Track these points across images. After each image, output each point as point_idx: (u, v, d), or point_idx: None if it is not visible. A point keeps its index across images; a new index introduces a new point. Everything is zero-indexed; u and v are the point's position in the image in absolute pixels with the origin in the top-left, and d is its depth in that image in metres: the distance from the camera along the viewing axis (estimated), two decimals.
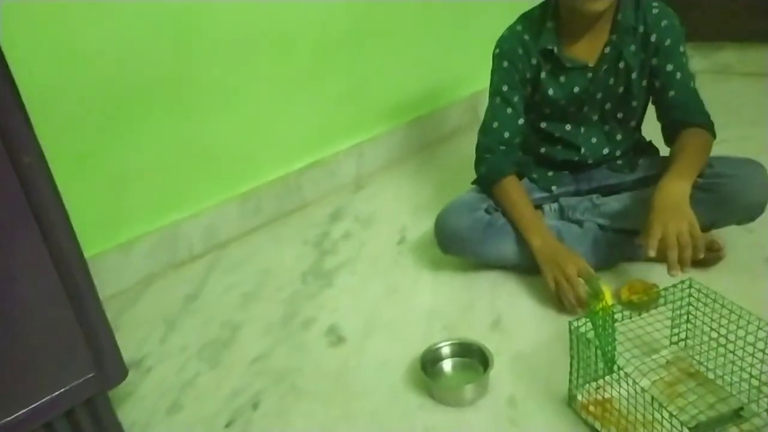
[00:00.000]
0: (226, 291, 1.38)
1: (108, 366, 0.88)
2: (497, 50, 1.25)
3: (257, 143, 1.62)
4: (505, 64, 1.23)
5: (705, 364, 0.93)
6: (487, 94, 1.29)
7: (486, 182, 1.28)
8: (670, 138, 1.20)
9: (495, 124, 1.25)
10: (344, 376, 1.06)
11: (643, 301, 1.00)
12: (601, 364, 0.87)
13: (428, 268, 1.34)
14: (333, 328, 1.19)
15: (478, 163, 1.29)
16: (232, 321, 1.26)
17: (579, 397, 0.90)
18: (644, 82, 1.21)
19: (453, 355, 1.05)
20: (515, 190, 1.24)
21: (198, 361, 1.16)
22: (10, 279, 0.77)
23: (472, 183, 1.33)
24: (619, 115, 1.25)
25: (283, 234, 1.60)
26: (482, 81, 1.40)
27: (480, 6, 2.00)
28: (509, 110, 1.24)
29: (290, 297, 1.31)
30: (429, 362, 1.03)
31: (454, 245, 1.25)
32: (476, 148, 1.30)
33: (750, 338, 0.84)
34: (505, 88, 1.23)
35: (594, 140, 1.27)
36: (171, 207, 1.51)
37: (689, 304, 0.93)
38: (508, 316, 1.15)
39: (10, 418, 0.80)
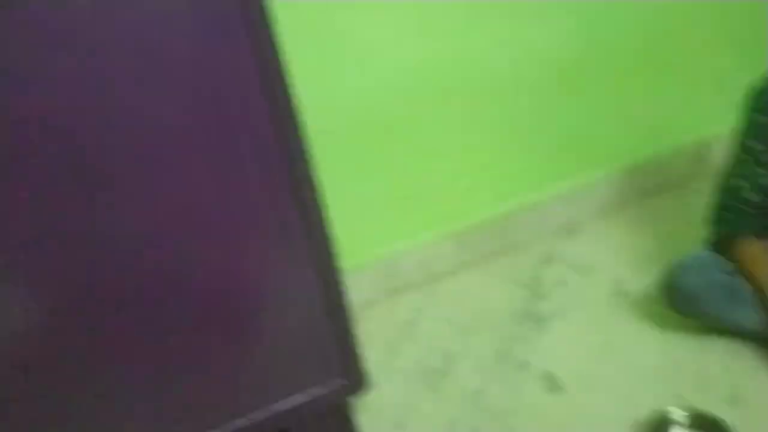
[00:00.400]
0: (441, 322, 1.45)
1: (355, 374, 0.97)
2: (753, 103, 1.17)
3: (471, 183, 1.69)
4: (762, 120, 1.14)
5: None
6: (717, 143, 1.21)
7: (724, 242, 1.19)
8: None
9: (738, 182, 1.17)
10: (563, 428, 1.06)
11: None
12: None
13: (651, 325, 1.28)
14: (549, 375, 1.20)
15: (716, 220, 1.21)
16: (449, 351, 1.33)
17: None
18: None
19: (685, 424, 1.00)
20: (761, 251, 1.14)
21: (419, 384, 1.24)
22: (276, 274, 0.87)
23: (707, 241, 1.25)
24: None
25: (494, 273, 1.64)
26: (710, 127, 1.31)
27: (706, 45, 1.86)
28: (758, 170, 1.15)
29: (504, 336, 1.35)
30: (656, 429, 0.99)
31: (687, 305, 1.18)
32: (713, 204, 1.22)
33: None
34: (757, 146, 1.15)
35: None
36: (390, 237, 1.64)
37: None
38: (750, 390, 1.05)
39: (262, 416, 0.90)
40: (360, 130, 1.50)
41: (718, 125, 1.23)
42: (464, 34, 1.50)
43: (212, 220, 0.81)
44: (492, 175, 1.70)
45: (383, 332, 1.45)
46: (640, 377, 1.14)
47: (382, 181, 1.57)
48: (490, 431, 1.08)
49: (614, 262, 1.56)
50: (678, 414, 1.00)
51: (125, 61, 0.73)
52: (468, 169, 1.66)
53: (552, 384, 1.17)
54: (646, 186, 1.92)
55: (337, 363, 0.94)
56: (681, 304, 1.19)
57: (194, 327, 0.85)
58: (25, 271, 0.76)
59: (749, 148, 1.16)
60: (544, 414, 1.10)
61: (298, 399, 0.93)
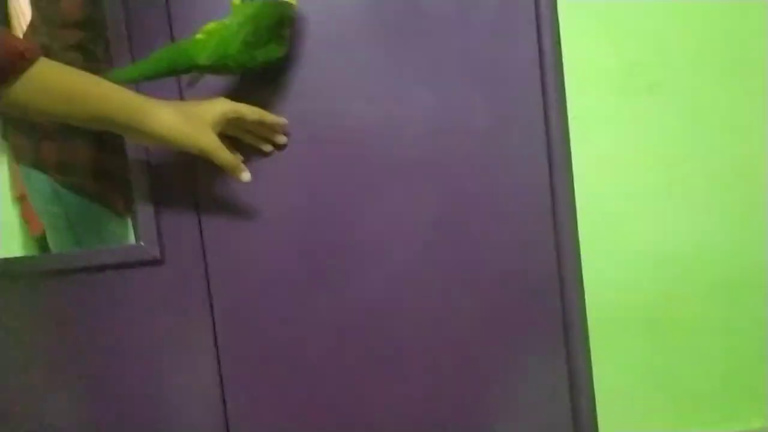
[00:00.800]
0: None
1: None
2: None
3: (732, 387, 1.48)
4: None
5: None
6: None
7: None
8: None
9: None
10: None
11: None
12: None
13: None
14: None
15: None
16: None
17: None
18: None
19: None
20: None
21: None
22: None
23: None
24: None
25: None
26: None
27: None
28: None
29: None
30: None
31: None
32: None
33: None
34: None
35: None
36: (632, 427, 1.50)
37: None
38: None
39: None
40: (614, 322, 1.37)
41: None
42: (740, 222, 1.36)
43: None
44: (754, 385, 1.46)
45: None
46: None
47: (632, 372, 1.42)
48: None
49: None
50: None
51: None
52: (729, 373, 1.44)
53: None
54: None
55: None
56: None
57: None
58: None
59: None
60: None
61: None
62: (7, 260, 0.73)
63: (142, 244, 0.70)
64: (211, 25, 0.64)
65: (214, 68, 0.64)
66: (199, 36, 0.64)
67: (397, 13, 0.73)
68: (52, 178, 1.00)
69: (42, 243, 1.21)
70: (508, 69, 0.74)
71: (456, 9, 0.73)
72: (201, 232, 0.72)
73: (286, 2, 0.67)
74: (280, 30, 0.67)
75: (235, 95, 0.70)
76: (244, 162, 0.72)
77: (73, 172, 0.99)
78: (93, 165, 0.99)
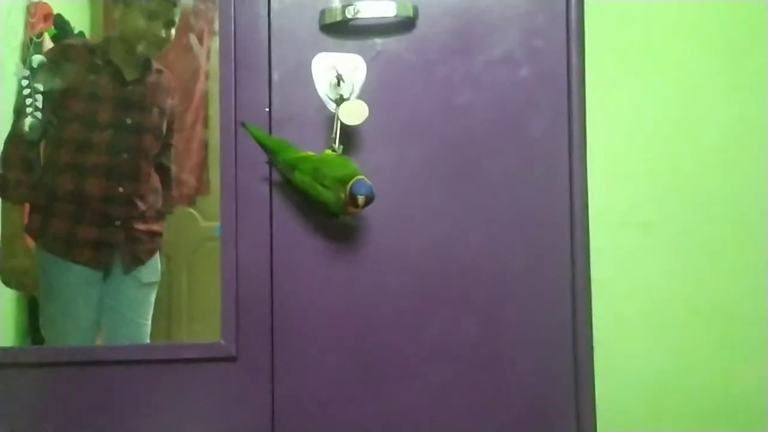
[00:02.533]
0: None
1: None
2: None
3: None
4: None
5: None
6: None
7: None
8: None
9: None
10: None
11: None
12: None
13: None
14: None
15: None
16: None
17: None
18: None
19: None
20: None
21: None
22: None
23: None
24: None
25: None
26: None
27: None
28: None
29: None
30: None
31: None
32: None
33: None
34: None
35: None
36: None
37: None
38: None
39: None
40: None
41: None
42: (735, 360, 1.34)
43: None
44: None
45: None
46: None
47: None
48: None
49: None
50: None
51: None
52: None
53: None
54: None
55: None
56: None
57: None
58: None
59: None
60: None
61: None
62: (75, 349, 0.84)
63: (222, 342, 0.81)
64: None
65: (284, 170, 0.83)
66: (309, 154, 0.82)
67: (459, 167, 0.87)
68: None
69: None
70: (542, 218, 0.88)
71: (505, 170, 0.87)
72: (272, 333, 0.83)
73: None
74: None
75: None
76: (306, 271, 0.84)
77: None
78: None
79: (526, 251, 0.87)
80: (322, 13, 0.85)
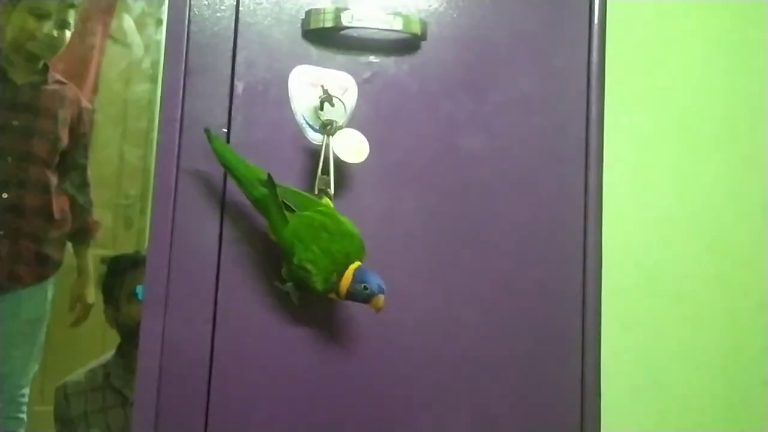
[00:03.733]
0: None
1: None
2: None
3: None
4: None
5: None
6: None
7: None
8: None
9: None
10: None
11: None
12: None
13: None
14: None
15: None
16: None
17: None
18: None
19: None
20: None
21: None
22: None
23: None
24: None
25: None
26: None
27: None
28: None
29: None
30: None
31: None
32: None
33: None
34: None
35: None
36: None
37: None
38: None
39: None
40: None
41: None
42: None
43: None
44: None
45: None
46: None
47: None
48: None
49: None
50: None
51: None
52: None
53: None
54: None
55: None
56: None
57: None
58: None
59: None
60: None
61: None
62: None
63: None
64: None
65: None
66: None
67: (460, 226, 0.70)
68: None
69: None
70: (552, 294, 0.73)
71: (513, 234, 0.72)
72: None
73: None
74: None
75: None
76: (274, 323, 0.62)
77: None
78: None
79: (533, 334, 0.71)
80: (308, 14, 0.66)
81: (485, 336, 0.70)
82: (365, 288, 0.57)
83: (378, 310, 0.59)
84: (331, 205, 0.62)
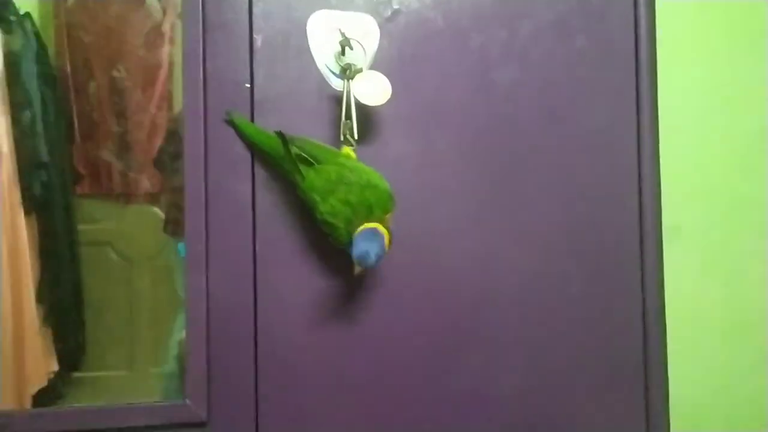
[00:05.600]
0: None
1: None
2: None
3: None
4: None
5: None
6: None
7: None
8: None
9: None
10: None
11: None
12: None
13: None
14: None
15: None
16: None
17: None
18: None
19: None
20: None
21: None
22: None
23: None
24: None
25: None
26: None
27: None
28: None
29: None
30: None
31: None
32: None
33: None
34: None
35: None
36: None
37: None
38: None
39: None
40: None
41: None
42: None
43: None
44: None
45: None
46: None
47: None
48: None
49: None
50: None
51: None
52: None
53: None
54: None
55: None
56: None
57: None
58: None
59: None
60: None
61: None
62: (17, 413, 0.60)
63: (188, 403, 0.59)
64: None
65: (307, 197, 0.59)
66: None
67: (499, 165, 0.66)
68: None
69: None
70: (605, 237, 0.68)
71: (558, 169, 0.67)
72: (256, 392, 0.61)
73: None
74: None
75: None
76: (308, 310, 0.62)
77: None
78: None
79: (586, 274, 0.68)
80: None
81: (535, 275, 0.67)
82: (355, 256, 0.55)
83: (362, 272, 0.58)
84: (353, 155, 0.60)
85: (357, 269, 0.57)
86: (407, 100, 0.65)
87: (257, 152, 0.62)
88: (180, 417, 0.59)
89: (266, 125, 0.62)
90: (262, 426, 0.61)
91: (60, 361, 0.83)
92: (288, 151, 0.58)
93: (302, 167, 0.58)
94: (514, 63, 0.67)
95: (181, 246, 0.61)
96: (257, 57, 0.63)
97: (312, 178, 0.57)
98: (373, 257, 0.54)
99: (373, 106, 0.62)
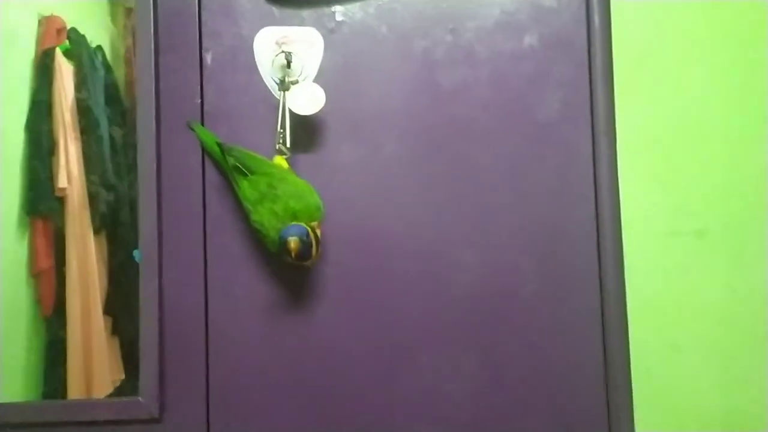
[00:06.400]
0: None
1: None
2: None
3: None
4: None
5: None
6: None
7: None
8: None
9: None
10: None
11: None
12: None
13: None
14: None
15: None
16: None
17: None
18: None
19: None
20: None
21: None
22: None
23: None
24: None
25: None
26: None
27: None
28: None
29: None
30: None
31: None
32: None
33: None
34: None
35: None
36: None
37: None
38: None
39: None
40: None
41: None
42: None
43: None
44: None
45: None
46: None
47: None
48: None
49: None
50: None
51: None
52: None
53: None
54: None
55: None
56: None
57: None
58: None
59: None
60: None
61: None
62: None
63: (141, 400, 0.63)
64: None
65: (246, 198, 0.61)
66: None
67: (448, 165, 0.67)
68: None
69: (51, 323, 1.16)
70: (562, 231, 0.66)
71: (510, 167, 0.67)
72: (207, 388, 0.64)
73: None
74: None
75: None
76: (259, 311, 0.64)
77: None
78: None
79: (540, 271, 0.66)
80: None
81: (486, 275, 0.66)
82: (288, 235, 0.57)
83: (291, 252, 0.58)
84: (285, 164, 0.63)
85: (293, 243, 0.58)
86: (354, 107, 0.67)
87: (211, 160, 0.66)
88: (134, 413, 0.62)
89: (216, 133, 0.66)
90: (213, 423, 0.63)
91: (126, 369, 0.91)
92: (225, 160, 0.61)
93: (238, 177, 0.61)
94: (459, 64, 0.68)
95: (136, 252, 0.65)
96: (207, 73, 0.67)
97: (245, 188, 0.60)
98: (291, 231, 0.56)
99: (316, 115, 0.64)
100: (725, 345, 1.14)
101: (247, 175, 0.61)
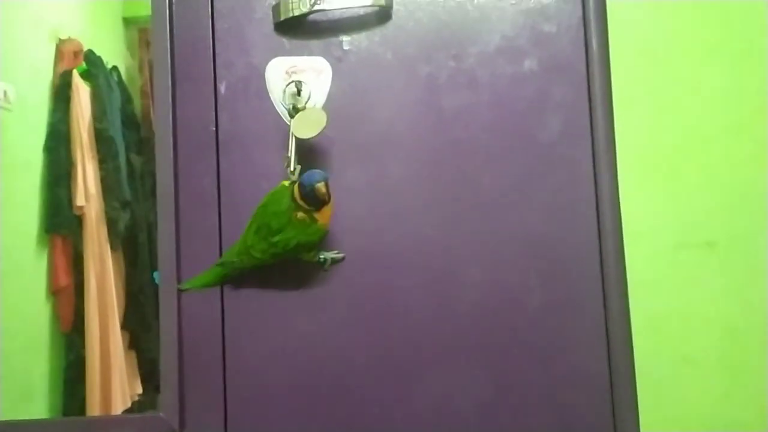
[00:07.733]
0: None
1: None
2: None
3: None
4: None
5: None
6: None
7: None
8: None
9: None
10: None
11: None
12: None
13: None
14: None
15: None
16: None
17: None
18: None
19: None
20: None
21: None
22: None
23: None
24: None
25: None
26: None
27: None
28: None
29: None
30: None
31: None
32: None
33: None
34: None
35: None
36: None
37: None
38: None
39: None
40: None
41: None
42: None
43: None
44: None
45: None
46: None
47: None
48: None
49: None
50: None
51: None
52: None
53: None
54: None
55: None
56: None
57: None
58: None
59: None
60: None
61: None
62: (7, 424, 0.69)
63: (162, 415, 0.65)
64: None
65: (245, 262, 0.66)
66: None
67: (453, 186, 0.69)
68: None
69: (70, 339, 1.19)
70: (565, 248, 0.69)
71: (513, 186, 0.69)
72: (225, 402, 0.67)
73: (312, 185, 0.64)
74: (293, 214, 0.64)
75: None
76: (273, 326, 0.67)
77: None
78: None
79: (545, 287, 0.68)
80: (276, 8, 0.70)
81: (495, 291, 0.68)
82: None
83: (324, 195, 0.62)
84: (286, 184, 0.66)
85: (321, 187, 0.62)
86: (361, 131, 0.70)
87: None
88: (156, 429, 0.65)
89: (231, 162, 0.69)
90: None
91: (144, 383, 0.94)
92: (239, 264, 0.66)
93: (252, 253, 0.66)
94: (462, 88, 0.71)
95: (155, 273, 0.68)
96: (221, 102, 0.70)
97: (255, 244, 0.66)
98: (315, 177, 0.62)
99: (324, 139, 0.67)
100: (735, 356, 1.15)
101: (256, 257, 0.66)
